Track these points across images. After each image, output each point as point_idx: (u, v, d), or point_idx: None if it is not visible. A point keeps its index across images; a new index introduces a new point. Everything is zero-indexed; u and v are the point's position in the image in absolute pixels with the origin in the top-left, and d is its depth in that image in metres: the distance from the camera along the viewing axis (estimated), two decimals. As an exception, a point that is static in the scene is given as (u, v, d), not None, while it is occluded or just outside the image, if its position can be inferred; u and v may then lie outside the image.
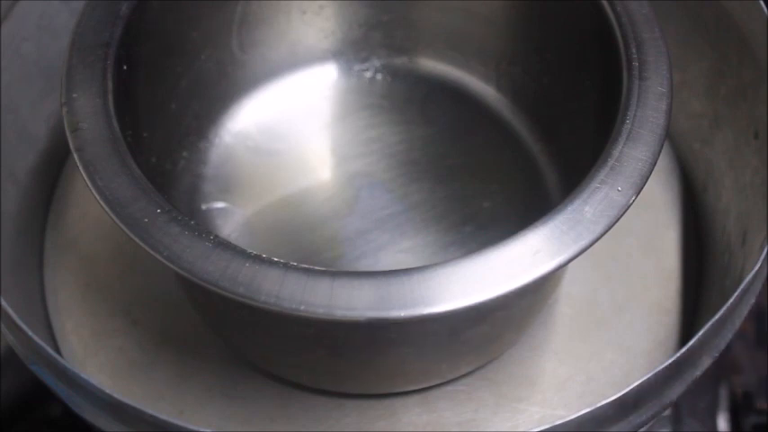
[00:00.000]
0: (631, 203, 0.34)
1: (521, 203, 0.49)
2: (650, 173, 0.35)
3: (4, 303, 0.38)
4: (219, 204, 0.49)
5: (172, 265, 0.32)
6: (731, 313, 0.38)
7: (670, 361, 0.35)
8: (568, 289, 0.47)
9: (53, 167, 0.51)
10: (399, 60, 0.54)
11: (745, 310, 0.38)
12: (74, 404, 0.36)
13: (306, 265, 0.32)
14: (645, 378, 0.35)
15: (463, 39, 0.52)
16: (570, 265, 0.33)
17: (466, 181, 0.50)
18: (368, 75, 0.54)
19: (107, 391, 0.34)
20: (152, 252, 0.33)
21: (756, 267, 0.38)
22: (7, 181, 0.47)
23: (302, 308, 0.31)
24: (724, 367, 0.56)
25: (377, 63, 0.54)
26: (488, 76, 0.53)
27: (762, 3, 0.44)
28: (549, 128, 0.50)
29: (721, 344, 0.38)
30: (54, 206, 0.51)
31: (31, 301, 0.47)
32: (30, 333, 0.36)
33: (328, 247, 0.47)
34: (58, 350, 0.46)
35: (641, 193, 0.35)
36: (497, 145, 0.51)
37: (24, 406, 0.53)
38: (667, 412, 0.51)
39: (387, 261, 0.47)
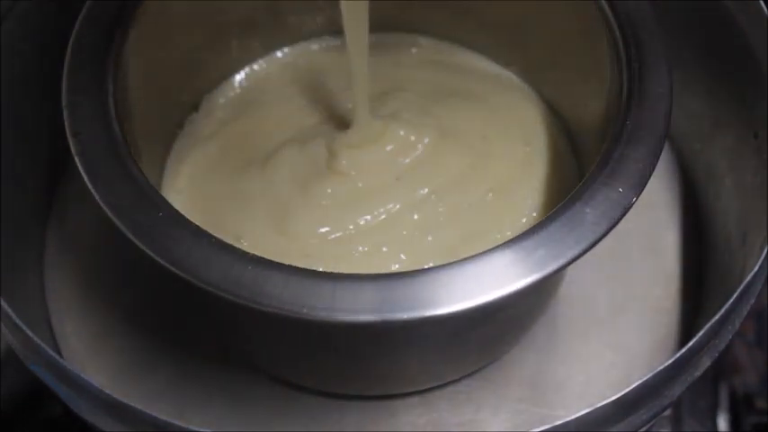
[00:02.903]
0: (632, 205, 0.34)
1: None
2: (651, 174, 0.35)
3: (3, 303, 0.37)
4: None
5: (175, 269, 0.32)
6: (731, 313, 0.38)
7: (670, 361, 0.35)
8: (568, 289, 0.47)
9: (53, 167, 0.51)
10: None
11: (745, 310, 0.38)
12: (74, 404, 0.36)
13: (308, 268, 0.33)
14: (645, 378, 0.35)
15: (464, 42, 0.52)
16: (570, 265, 0.33)
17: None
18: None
19: (107, 391, 0.34)
20: (155, 256, 0.33)
21: (756, 267, 0.38)
22: (7, 181, 0.46)
23: (305, 311, 0.31)
24: (724, 367, 0.56)
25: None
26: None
27: (762, 3, 0.44)
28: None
29: (721, 344, 0.38)
30: (54, 206, 0.51)
31: (31, 301, 0.47)
32: (30, 333, 0.36)
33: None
34: (58, 350, 0.46)
35: (641, 193, 0.35)
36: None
37: (24, 406, 0.53)
38: (667, 412, 0.51)
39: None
